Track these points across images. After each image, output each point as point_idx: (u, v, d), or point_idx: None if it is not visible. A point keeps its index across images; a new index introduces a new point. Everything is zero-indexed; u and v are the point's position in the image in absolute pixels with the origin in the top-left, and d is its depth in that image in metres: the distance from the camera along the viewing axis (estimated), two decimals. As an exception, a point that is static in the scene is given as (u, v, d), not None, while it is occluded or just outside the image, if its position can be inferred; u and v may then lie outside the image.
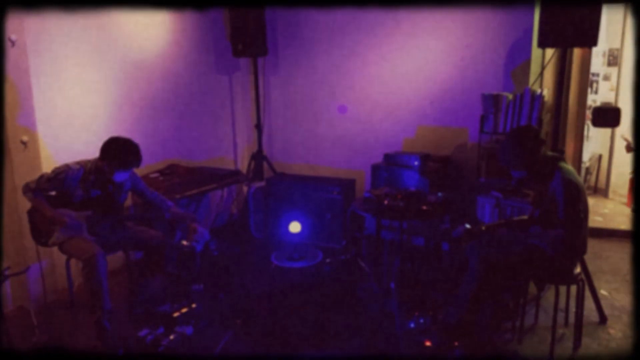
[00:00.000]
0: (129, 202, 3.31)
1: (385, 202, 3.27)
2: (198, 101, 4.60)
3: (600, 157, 6.04)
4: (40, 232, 2.92)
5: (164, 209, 3.18)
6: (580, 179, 2.67)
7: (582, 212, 2.54)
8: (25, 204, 2.96)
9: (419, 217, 3.24)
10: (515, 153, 2.58)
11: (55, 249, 2.97)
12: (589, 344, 2.84)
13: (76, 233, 2.88)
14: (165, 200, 3.22)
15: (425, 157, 4.06)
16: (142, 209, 3.74)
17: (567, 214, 2.48)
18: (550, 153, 2.65)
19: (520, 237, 2.75)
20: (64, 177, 2.83)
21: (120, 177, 2.92)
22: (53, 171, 2.87)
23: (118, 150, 2.83)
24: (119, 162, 2.83)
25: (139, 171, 3.90)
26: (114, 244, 3.07)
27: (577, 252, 2.66)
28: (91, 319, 2.78)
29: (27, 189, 2.85)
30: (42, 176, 2.86)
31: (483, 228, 2.73)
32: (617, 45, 5.69)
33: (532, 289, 3.04)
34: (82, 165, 2.90)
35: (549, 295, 3.27)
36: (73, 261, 3.00)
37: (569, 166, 2.62)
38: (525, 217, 2.91)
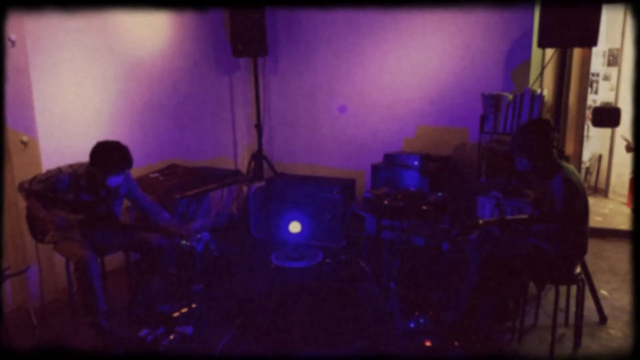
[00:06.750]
0: (127, 203, 3.30)
1: (385, 202, 3.27)
2: (198, 101, 4.60)
3: (600, 157, 6.03)
4: (36, 228, 2.93)
5: (160, 220, 3.07)
6: (582, 181, 2.68)
7: (581, 212, 2.54)
8: (25, 203, 2.96)
9: (419, 217, 3.23)
10: (525, 142, 2.60)
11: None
12: (589, 344, 2.84)
13: (68, 234, 2.87)
14: (161, 212, 3.11)
15: (425, 157, 4.06)
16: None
17: (564, 210, 2.48)
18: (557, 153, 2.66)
19: (520, 237, 2.75)
20: (54, 180, 2.82)
21: (113, 181, 2.85)
22: (45, 173, 2.86)
23: (105, 155, 2.77)
24: (108, 166, 2.78)
25: (140, 171, 3.93)
26: (112, 247, 3.06)
27: (577, 253, 2.66)
28: (86, 320, 2.77)
29: (21, 188, 2.87)
30: (35, 177, 2.86)
31: (480, 222, 2.73)
32: (617, 45, 5.68)
33: (532, 289, 3.04)
34: (75, 169, 2.88)
35: (549, 295, 3.28)
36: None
37: (571, 167, 2.64)
38: (525, 216, 2.91)
